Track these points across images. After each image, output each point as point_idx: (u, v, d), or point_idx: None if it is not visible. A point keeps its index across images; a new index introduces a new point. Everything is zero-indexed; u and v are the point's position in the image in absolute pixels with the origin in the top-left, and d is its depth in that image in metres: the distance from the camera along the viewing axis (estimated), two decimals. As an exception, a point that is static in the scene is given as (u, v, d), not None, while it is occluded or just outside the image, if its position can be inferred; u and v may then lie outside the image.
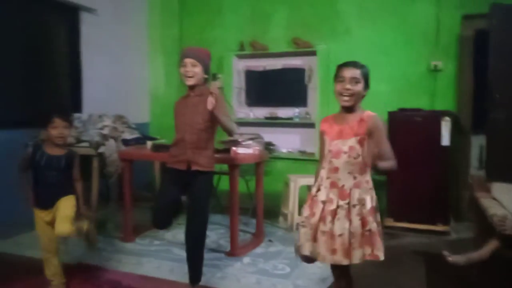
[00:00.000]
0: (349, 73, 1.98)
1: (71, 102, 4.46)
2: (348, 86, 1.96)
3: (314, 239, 2.00)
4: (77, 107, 4.46)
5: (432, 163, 3.90)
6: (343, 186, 1.98)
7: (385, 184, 4.20)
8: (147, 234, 3.80)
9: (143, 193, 4.98)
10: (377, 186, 4.39)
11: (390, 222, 4.02)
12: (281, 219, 4.20)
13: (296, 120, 4.90)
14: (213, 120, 2.51)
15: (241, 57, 5.24)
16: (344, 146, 1.97)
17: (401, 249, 3.51)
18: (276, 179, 4.69)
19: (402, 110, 4.11)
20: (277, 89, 5.12)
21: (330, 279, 2.80)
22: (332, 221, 1.96)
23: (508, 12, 3.72)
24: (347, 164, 1.97)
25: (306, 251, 2.02)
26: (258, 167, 3.69)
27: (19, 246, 3.43)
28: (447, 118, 3.84)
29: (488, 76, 3.79)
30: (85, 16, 4.57)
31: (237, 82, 5.30)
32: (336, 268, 2.13)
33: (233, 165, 3.30)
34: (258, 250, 3.46)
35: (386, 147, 1.99)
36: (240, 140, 3.64)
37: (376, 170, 1.98)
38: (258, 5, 5.10)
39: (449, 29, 4.29)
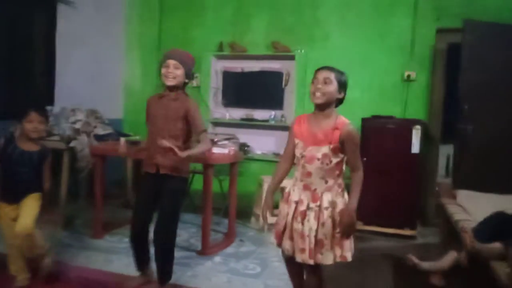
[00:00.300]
0: (322, 74, 2.05)
1: (44, 95, 4.35)
2: (319, 86, 2.02)
3: (291, 237, 2.09)
4: (50, 100, 4.36)
5: (402, 169, 4.00)
6: (315, 189, 2.05)
7: (356, 188, 4.29)
8: (117, 232, 3.74)
9: (114, 190, 4.90)
10: (348, 190, 4.49)
11: (360, 226, 4.10)
12: (253, 219, 4.22)
13: (272, 122, 4.94)
14: (186, 127, 2.49)
15: (219, 57, 5.24)
16: (318, 153, 2.03)
17: (370, 252, 3.59)
18: (250, 180, 4.71)
19: (375, 117, 4.21)
20: (254, 91, 5.14)
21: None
22: (302, 222, 2.04)
23: (480, 28, 3.88)
24: (320, 170, 2.03)
25: (285, 249, 2.11)
26: (232, 167, 3.70)
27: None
28: (418, 127, 3.96)
29: (458, 88, 3.94)
30: (62, 9, 4.48)
31: (215, 83, 5.30)
32: (293, 267, 2.20)
33: (208, 164, 3.29)
34: (229, 249, 3.46)
35: (356, 157, 2.06)
36: (215, 140, 3.65)
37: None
38: (239, 7, 5.12)
39: (424, 41, 4.42)
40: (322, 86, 2.02)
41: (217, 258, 3.22)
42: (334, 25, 4.75)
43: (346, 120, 2.06)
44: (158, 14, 5.44)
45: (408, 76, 4.45)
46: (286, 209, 2.13)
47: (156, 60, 5.36)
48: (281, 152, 4.93)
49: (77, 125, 3.91)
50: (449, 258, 2.79)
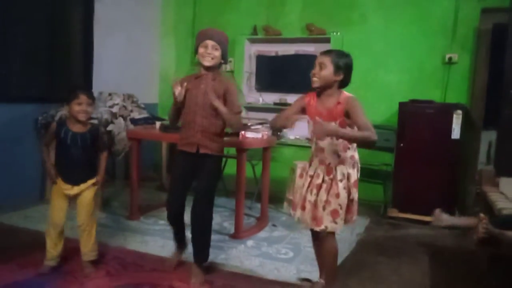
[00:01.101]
0: (318, 59, 2.18)
1: (82, 80, 4.46)
2: (315, 71, 2.18)
3: (303, 207, 2.29)
4: (88, 85, 4.46)
5: (440, 156, 3.87)
6: (329, 164, 2.22)
7: (391, 175, 4.20)
8: (152, 214, 3.83)
9: (149, 173, 5.02)
10: (383, 176, 4.42)
11: (395, 213, 4.02)
12: (285, 204, 4.21)
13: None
14: (225, 106, 2.50)
15: (253, 41, 5.20)
16: None
17: (405, 240, 3.52)
18: (282, 165, 4.69)
19: (413, 101, 4.08)
20: (288, 75, 5.08)
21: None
22: (317, 193, 2.22)
23: (528, 6, 3.64)
24: (331, 145, 2.21)
25: (296, 217, 2.35)
26: (265, 152, 3.69)
27: (26, 220, 3.48)
28: (459, 112, 3.80)
29: (503, 72, 3.74)
30: (100, -5, 4.55)
31: (248, 67, 5.27)
32: (315, 239, 2.39)
33: (241, 149, 3.30)
34: (262, 234, 3.48)
35: (362, 120, 2.10)
36: (249, 124, 3.64)
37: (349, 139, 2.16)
38: (273, -11, 5.04)
39: (467, 22, 4.22)
40: (318, 71, 2.16)
41: (250, 242, 3.24)
42: (372, 6, 4.60)
43: (348, 94, 2.19)
44: (193, -1, 5.44)
45: (450, 58, 4.26)
46: (301, 182, 2.33)
47: (191, 45, 5.38)
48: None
49: (114, 109, 4.00)
50: (469, 221, 2.71)
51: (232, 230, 3.40)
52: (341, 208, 2.19)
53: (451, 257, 3.21)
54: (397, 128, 4.06)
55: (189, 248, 2.78)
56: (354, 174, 2.23)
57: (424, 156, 3.91)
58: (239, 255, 2.98)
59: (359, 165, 2.29)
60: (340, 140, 2.18)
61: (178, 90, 2.44)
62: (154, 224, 3.57)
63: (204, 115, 2.46)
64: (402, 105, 4.03)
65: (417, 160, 3.94)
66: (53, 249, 2.54)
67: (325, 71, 2.15)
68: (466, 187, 4.31)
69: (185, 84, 2.47)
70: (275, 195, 4.00)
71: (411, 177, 3.97)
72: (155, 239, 3.21)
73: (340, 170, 2.20)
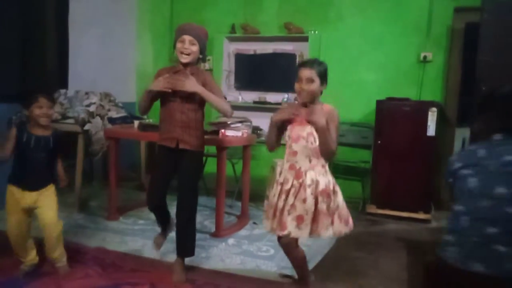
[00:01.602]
0: (305, 74, 2.18)
1: (57, 78, 4.37)
2: (304, 86, 2.18)
3: (274, 216, 2.25)
4: (63, 83, 4.37)
5: (416, 152, 3.95)
6: (300, 168, 2.22)
7: (369, 171, 4.26)
8: (131, 214, 3.79)
9: (128, 173, 4.95)
10: (361, 173, 4.48)
11: (373, 209, 4.09)
12: (266, 202, 4.22)
13: (285, 105, 4.90)
14: (202, 101, 2.50)
15: (232, 39, 5.20)
16: (303, 132, 2.20)
17: (384, 235, 3.58)
18: (262, 164, 4.70)
19: (390, 99, 4.15)
20: (267, 73, 5.10)
21: (314, 261, 2.86)
22: (286, 199, 2.20)
23: (500, 6, 3.74)
24: (305, 148, 2.20)
25: (267, 228, 2.30)
26: (245, 150, 3.69)
27: (1, 222, 3.38)
28: (434, 109, 3.89)
29: (476, 69, 3.84)
30: (74, -9, 4.46)
31: (227, 65, 5.26)
32: (281, 240, 2.32)
33: (221, 147, 3.29)
34: (243, 232, 3.48)
35: (334, 133, 2.16)
36: (229, 122, 3.63)
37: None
38: (251, -13, 5.05)
39: (441, 21, 4.32)
40: (306, 86, 2.18)
41: (231, 240, 3.24)
42: (348, 5, 4.65)
43: (330, 106, 2.22)
44: (170, -4, 5.40)
45: (424, 57, 4.36)
46: (273, 191, 2.30)
47: (168, 42, 5.34)
48: (294, 135, 4.94)
49: (91, 108, 3.92)
50: None
51: (213, 229, 3.40)
52: (306, 214, 2.15)
53: (426, 250, 3.28)
54: (375, 125, 4.12)
55: (170, 247, 2.78)
56: (323, 183, 2.18)
57: (401, 153, 3.99)
58: (220, 254, 2.98)
59: (330, 174, 2.27)
60: (314, 146, 2.19)
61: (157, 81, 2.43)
62: (133, 224, 3.53)
63: (182, 111, 2.46)
64: (379, 102, 4.10)
65: (394, 157, 4.01)
66: (25, 258, 2.48)
67: (313, 85, 2.18)
68: (441, 182, 4.41)
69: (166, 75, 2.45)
70: (255, 193, 4.01)
71: (389, 173, 4.04)
72: (134, 239, 3.17)
73: (310, 175, 2.18)
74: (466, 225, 1.56)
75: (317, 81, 2.18)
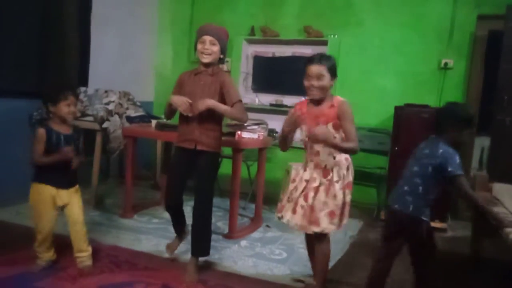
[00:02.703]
0: (314, 70, 2.17)
1: (77, 76, 4.43)
2: (314, 82, 2.17)
3: (294, 211, 2.29)
4: (84, 81, 4.44)
5: (434, 160, 3.89)
6: (325, 166, 2.25)
7: (385, 178, 4.22)
8: (146, 212, 3.82)
9: (144, 172, 5.00)
10: (377, 179, 4.43)
11: (388, 217, 4.04)
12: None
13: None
14: (223, 101, 2.51)
15: (251, 42, 5.20)
16: None
17: (398, 244, 3.53)
18: (277, 167, 4.69)
19: (408, 105, 4.10)
20: (285, 76, 5.09)
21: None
22: (314, 197, 2.23)
23: (524, 14, 3.69)
24: (326, 147, 2.21)
25: (285, 220, 2.33)
26: (261, 152, 3.69)
27: (18, 216, 3.45)
28: (453, 117, 3.82)
29: (498, 78, 3.78)
30: (96, -10, 4.53)
31: (245, 67, 5.27)
32: (310, 238, 2.39)
33: (237, 149, 3.30)
34: (256, 234, 3.48)
35: (350, 129, 2.17)
36: (245, 124, 3.64)
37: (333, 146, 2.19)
38: (272, -10, 5.05)
39: (463, 28, 4.25)
40: (317, 82, 2.17)
41: (244, 242, 3.24)
42: (369, 10, 4.62)
43: (341, 98, 2.23)
44: (191, -2, 5.43)
45: (445, 64, 4.30)
46: (294, 186, 2.32)
47: (188, 43, 5.38)
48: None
49: (110, 106, 3.97)
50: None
51: (226, 230, 3.40)
52: (338, 209, 2.23)
53: (441, 260, 3.22)
54: (392, 131, 4.08)
55: (184, 247, 2.79)
56: (349, 176, 2.27)
57: (418, 160, 3.93)
58: (232, 255, 2.98)
59: (353, 168, 2.33)
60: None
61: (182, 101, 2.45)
62: (147, 223, 3.56)
63: (201, 112, 2.46)
64: (397, 109, 4.05)
65: (411, 164, 3.95)
66: (45, 253, 2.53)
67: (324, 81, 2.17)
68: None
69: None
70: (269, 196, 4.00)
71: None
72: (148, 238, 3.20)
73: (337, 171, 2.23)
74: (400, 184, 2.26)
75: (327, 76, 2.17)
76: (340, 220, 2.27)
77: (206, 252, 2.62)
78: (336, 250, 3.14)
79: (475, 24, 4.22)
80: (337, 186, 2.22)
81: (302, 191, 2.28)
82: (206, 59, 2.46)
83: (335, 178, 2.23)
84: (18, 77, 3.87)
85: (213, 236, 3.26)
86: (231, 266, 2.80)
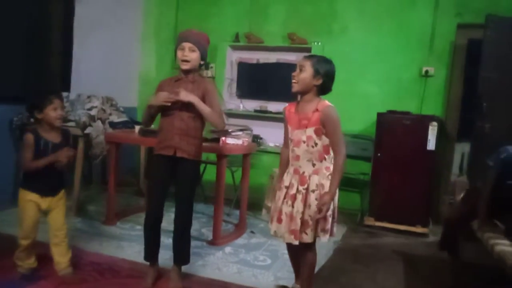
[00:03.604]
0: (299, 62, 2.19)
1: (60, 80, 4.38)
2: (295, 74, 2.18)
3: (279, 220, 2.24)
4: (66, 86, 4.39)
5: (416, 166, 3.96)
6: (303, 172, 2.19)
7: (368, 184, 4.26)
8: (129, 219, 3.78)
9: (127, 178, 4.95)
10: (360, 185, 4.48)
11: (371, 221, 4.08)
12: (264, 211, 4.19)
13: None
14: None
15: (235, 48, 5.22)
16: (303, 136, 2.17)
17: (380, 248, 3.57)
18: (261, 172, 4.70)
19: (391, 112, 4.16)
20: (269, 83, 5.12)
21: (311, 273, 2.84)
22: (292, 205, 2.18)
23: (503, 24, 3.80)
24: (306, 152, 2.17)
25: (272, 231, 2.29)
26: (245, 158, 3.69)
27: (1, 223, 3.38)
28: (434, 123, 3.90)
29: (477, 85, 3.87)
30: (80, -5, 4.49)
31: (229, 73, 5.28)
32: (291, 248, 2.34)
33: (221, 155, 3.29)
34: (240, 240, 3.47)
35: (336, 139, 2.14)
36: (229, 130, 3.64)
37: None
38: (256, -3, 5.09)
39: (444, 36, 4.35)
40: (297, 74, 2.16)
41: (228, 249, 3.23)
42: (352, 18, 4.69)
43: (328, 103, 2.17)
44: (176, 3, 5.43)
45: (426, 71, 4.38)
46: (278, 194, 2.29)
47: (172, 49, 5.34)
48: (294, 145, 4.95)
49: (93, 112, 3.93)
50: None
51: (210, 237, 3.39)
52: (311, 219, 2.15)
53: (425, 265, 3.28)
54: (375, 138, 4.13)
55: (167, 255, 2.76)
56: (327, 186, 2.15)
57: (400, 166, 4.00)
58: (217, 262, 2.97)
59: None
60: (316, 149, 2.16)
61: (164, 96, 2.42)
62: (130, 230, 3.52)
63: (182, 118, 2.44)
64: (380, 115, 4.11)
65: (393, 170, 4.02)
66: (25, 260, 2.47)
67: (304, 74, 2.15)
68: (440, 197, 4.42)
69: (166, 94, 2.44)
70: (253, 202, 4.01)
71: (388, 186, 4.04)
72: (131, 245, 3.16)
73: (314, 180, 2.16)
74: None
75: (309, 71, 2.14)
76: (316, 231, 2.18)
77: (187, 260, 2.59)
78: (320, 256, 3.13)
79: (455, 32, 4.31)
80: (313, 196, 2.15)
81: (284, 198, 2.23)
82: (185, 66, 2.44)
83: (312, 187, 2.15)
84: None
85: (197, 243, 3.27)
86: (215, 273, 2.78)
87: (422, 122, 3.96)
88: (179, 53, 2.45)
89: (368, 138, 4.44)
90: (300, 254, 2.30)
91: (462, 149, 4.93)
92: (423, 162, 3.94)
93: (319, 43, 4.74)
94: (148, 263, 2.61)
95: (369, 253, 3.43)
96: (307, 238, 2.18)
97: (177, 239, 2.53)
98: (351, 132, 4.53)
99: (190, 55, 2.43)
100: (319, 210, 2.10)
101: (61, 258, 2.49)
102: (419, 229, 3.95)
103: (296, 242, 2.18)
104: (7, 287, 2.36)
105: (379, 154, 4.08)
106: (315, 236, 2.19)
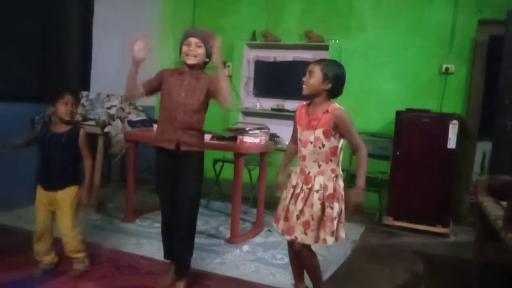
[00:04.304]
0: (309, 67, 2.21)
1: (79, 80, 4.44)
2: (305, 78, 2.21)
3: (286, 218, 2.26)
4: (85, 85, 4.45)
5: (436, 165, 3.90)
6: (309, 172, 2.20)
7: (386, 183, 4.21)
8: (147, 216, 3.81)
9: (145, 176, 4.99)
10: (379, 184, 4.43)
11: (390, 221, 4.04)
12: (280, 211, 4.21)
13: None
14: (207, 102, 2.44)
15: (252, 46, 5.22)
16: (311, 137, 2.19)
17: (399, 248, 3.53)
18: (279, 171, 4.69)
19: (410, 110, 4.10)
20: (286, 81, 5.10)
21: (329, 272, 2.84)
22: (295, 204, 2.20)
23: (525, 19, 3.70)
24: (313, 153, 2.19)
25: (280, 229, 2.31)
26: (262, 157, 3.69)
27: (20, 220, 3.45)
28: (455, 121, 3.83)
29: (499, 82, 3.79)
30: (100, -5, 4.55)
31: (246, 72, 5.28)
32: (291, 249, 2.34)
33: (239, 153, 3.30)
34: (258, 239, 3.47)
35: (353, 137, 2.16)
36: (247, 129, 3.65)
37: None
38: (273, -5, 5.08)
39: (464, 33, 4.28)
40: (306, 79, 2.20)
41: (245, 247, 3.24)
42: (370, 15, 4.65)
43: (337, 105, 2.18)
44: (193, 2, 5.46)
45: (446, 68, 4.31)
46: (285, 194, 2.31)
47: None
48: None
49: (112, 111, 3.98)
50: None
51: (228, 235, 3.40)
52: (312, 219, 2.14)
53: (444, 265, 3.23)
54: (394, 136, 4.08)
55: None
56: (331, 188, 2.15)
57: (419, 165, 3.94)
58: (234, 260, 2.97)
59: (341, 179, 2.23)
60: (323, 150, 2.16)
61: (138, 46, 2.39)
62: (149, 227, 3.55)
63: (185, 111, 2.38)
64: (398, 113, 4.06)
65: (412, 169, 3.96)
66: (45, 256, 2.52)
67: (313, 79, 2.17)
68: (460, 196, 4.34)
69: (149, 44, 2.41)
70: (271, 201, 3.99)
71: (407, 185, 3.99)
72: (150, 242, 3.19)
73: (318, 180, 2.16)
74: None
75: (318, 76, 2.15)
76: (317, 233, 2.15)
77: (187, 269, 2.49)
78: (338, 256, 3.14)
79: (476, 29, 4.23)
80: (316, 196, 2.14)
81: (291, 197, 2.25)
82: (191, 61, 2.40)
83: (316, 187, 2.15)
84: (19, 81, 3.88)
85: (215, 241, 3.29)
86: (233, 271, 2.79)
87: (442, 120, 3.89)
88: (185, 48, 2.42)
89: (387, 136, 4.39)
90: (298, 254, 2.27)
91: (483, 148, 4.83)
92: (443, 161, 3.87)
93: (336, 41, 4.71)
94: (168, 261, 2.61)
95: (387, 252, 3.40)
96: (307, 238, 2.16)
97: (177, 245, 2.45)
98: (369, 131, 4.49)
99: (196, 50, 2.40)
100: (353, 211, 2.17)
101: (69, 254, 2.53)
102: (439, 229, 3.89)
103: (289, 238, 2.21)
104: (26, 283, 2.41)
105: (397, 153, 4.03)
106: (316, 238, 2.16)
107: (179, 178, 2.41)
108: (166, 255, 2.62)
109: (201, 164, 2.49)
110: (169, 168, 2.44)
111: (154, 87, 2.51)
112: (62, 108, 2.42)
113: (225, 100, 2.38)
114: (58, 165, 2.44)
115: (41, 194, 2.48)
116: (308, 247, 2.24)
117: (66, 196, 2.46)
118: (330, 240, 2.15)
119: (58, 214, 2.47)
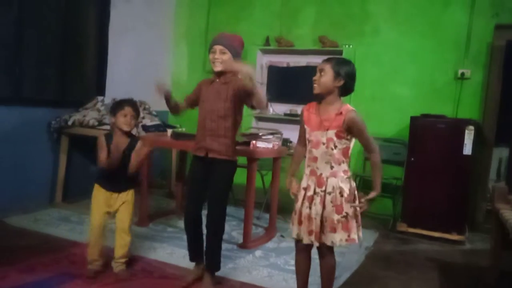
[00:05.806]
0: (319, 66, 2.19)
1: (95, 85, 4.50)
2: (315, 78, 2.18)
3: (300, 222, 2.22)
4: (101, 91, 4.51)
5: (451, 171, 3.85)
6: (321, 174, 2.16)
7: (401, 189, 4.17)
8: (161, 221, 3.83)
9: (159, 180, 5.03)
10: (393, 190, 4.38)
11: (404, 227, 3.99)
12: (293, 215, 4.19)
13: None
14: (235, 108, 2.47)
15: (265, 52, 5.23)
16: (323, 138, 2.15)
17: (414, 255, 3.49)
18: (292, 176, 4.68)
19: (425, 115, 4.06)
20: (299, 86, 5.08)
21: (343, 277, 2.82)
22: (309, 206, 2.16)
23: (543, 24, 3.64)
24: (325, 154, 2.15)
25: (294, 234, 2.26)
26: (275, 162, 3.69)
27: (37, 222, 3.50)
28: (471, 127, 3.78)
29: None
30: (115, 1, 4.60)
31: (259, 77, 5.29)
32: (302, 255, 2.31)
33: (252, 158, 3.30)
34: (270, 244, 3.46)
35: (367, 140, 2.15)
36: (260, 134, 3.65)
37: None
38: (287, 0, 5.08)
39: (480, 37, 4.22)
40: (318, 78, 2.16)
41: (258, 252, 3.23)
42: (384, 19, 4.62)
43: (350, 107, 2.15)
44: (207, 7, 5.50)
45: (462, 73, 4.26)
46: (297, 196, 2.26)
47: (203, 53, 5.42)
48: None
49: (126, 116, 4.02)
50: None
51: (241, 240, 3.40)
52: (326, 221, 2.13)
53: (460, 273, 3.18)
54: (408, 142, 4.04)
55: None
56: (347, 189, 2.14)
57: (435, 171, 3.89)
58: (247, 265, 2.97)
59: (352, 180, 2.22)
60: (335, 151, 2.13)
61: (159, 87, 2.55)
62: (162, 231, 3.57)
63: (212, 119, 2.46)
64: (413, 119, 4.02)
65: (427, 175, 3.92)
66: (96, 256, 2.61)
67: (324, 77, 2.14)
68: (476, 203, 4.28)
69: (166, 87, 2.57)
70: (283, 206, 3.99)
71: (421, 191, 3.95)
72: (163, 246, 3.21)
73: (331, 182, 2.13)
74: None
75: (329, 74, 2.12)
76: (348, 235, 2.14)
77: (218, 267, 2.60)
78: (351, 262, 3.12)
79: (493, 34, 4.18)
80: (328, 198, 2.13)
81: (303, 200, 2.20)
82: (217, 68, 2.47)
83: (329, 190, 2.13)
84: (38, 86, 3.95)
85: (228, 246, 3.28)
86: (246, 276, 2.79)
87: (458, 126, 3.84)
88: (211, 56, 2.49)
89: (401, 142, 4.35)
90: (322, 259, 2.25)
91: (500, 154, 4.77)
92: (459, 167, 3.82)
93: (351, 46, 4.69)
94: (193, 263, 2.69)
95: (402, 259, 3.36)
96: (326, 239, 2.14)
97: (207, 244, 2.55)
98: (383, 136, 4.46)
99: (221, 57, 2.46)
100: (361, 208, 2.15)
101: (119, 258, 2.65)
102: (455, 237, 3.83)
103: (317, 244, 2.16)
104: (43, 284, 2.44)
105: (412, 159, 3.99)
106: (340, 241, 2.14)
107: (209, 183, 2.53)
108: (191, 256, 2.68)
109: (229, 172, 2.56)
110: (200, 173, 2.56)
111: (193, 100, 2.67)
112: (122, 119, 2.57)
113: (259, 103, 2.41)
114: (122, 175, 2.60)
115: (100, 194, 2.61)
116: (332, 249, 2.22)
117: (130, 198, 2.67)
118: (357, 238, 2.16)
119: (119, 215, 2.64)
